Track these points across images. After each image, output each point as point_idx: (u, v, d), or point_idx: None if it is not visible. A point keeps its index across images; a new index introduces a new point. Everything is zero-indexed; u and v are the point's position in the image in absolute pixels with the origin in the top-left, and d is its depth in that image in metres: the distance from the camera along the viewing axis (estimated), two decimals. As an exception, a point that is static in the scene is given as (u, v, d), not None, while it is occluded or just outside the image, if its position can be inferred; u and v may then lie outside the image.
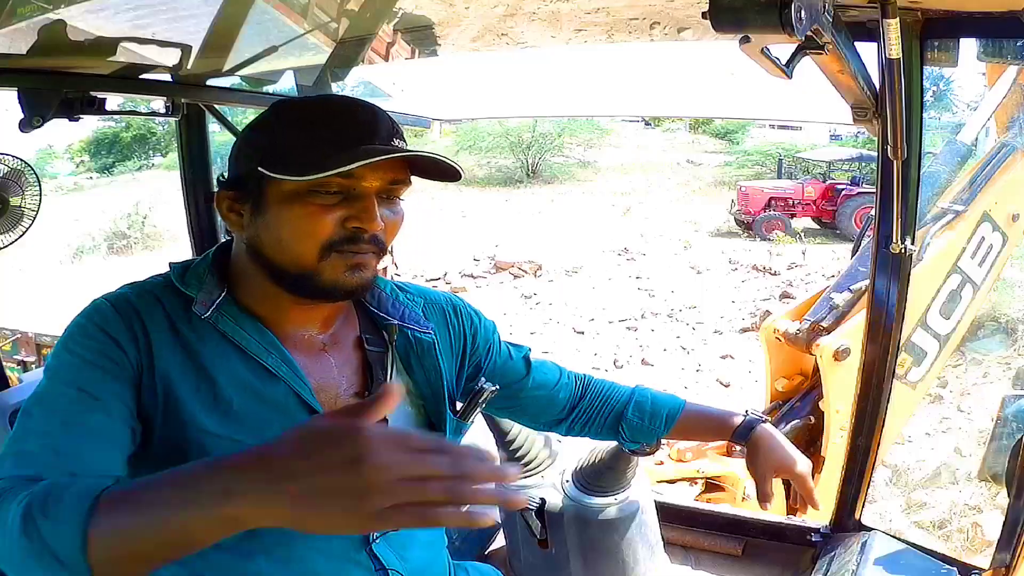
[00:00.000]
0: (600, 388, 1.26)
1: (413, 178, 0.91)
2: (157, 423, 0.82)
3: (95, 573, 0.63)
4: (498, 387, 1.09)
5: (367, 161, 0.80)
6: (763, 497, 1.22)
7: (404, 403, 0.99)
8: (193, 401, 0.83)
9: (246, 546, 0.84)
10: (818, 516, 1.96)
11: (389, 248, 0.93)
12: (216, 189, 0.91)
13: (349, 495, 0.56)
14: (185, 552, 0.64)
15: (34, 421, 0.78)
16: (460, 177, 0.91)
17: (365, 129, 0.85)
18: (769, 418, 1.26)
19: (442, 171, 0.90)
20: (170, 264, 0.91)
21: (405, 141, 0.88)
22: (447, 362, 1.05)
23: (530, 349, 1.23)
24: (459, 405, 1.07)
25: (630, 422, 1.24)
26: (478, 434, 1.64)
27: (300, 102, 0.91)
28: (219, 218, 1.92)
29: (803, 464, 1.21)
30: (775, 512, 2.70)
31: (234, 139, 0.93)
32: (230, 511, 0.59)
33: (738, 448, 3.34)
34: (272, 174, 0.82)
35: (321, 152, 0.81)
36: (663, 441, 1.31)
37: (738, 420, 1.25)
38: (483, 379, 1.09)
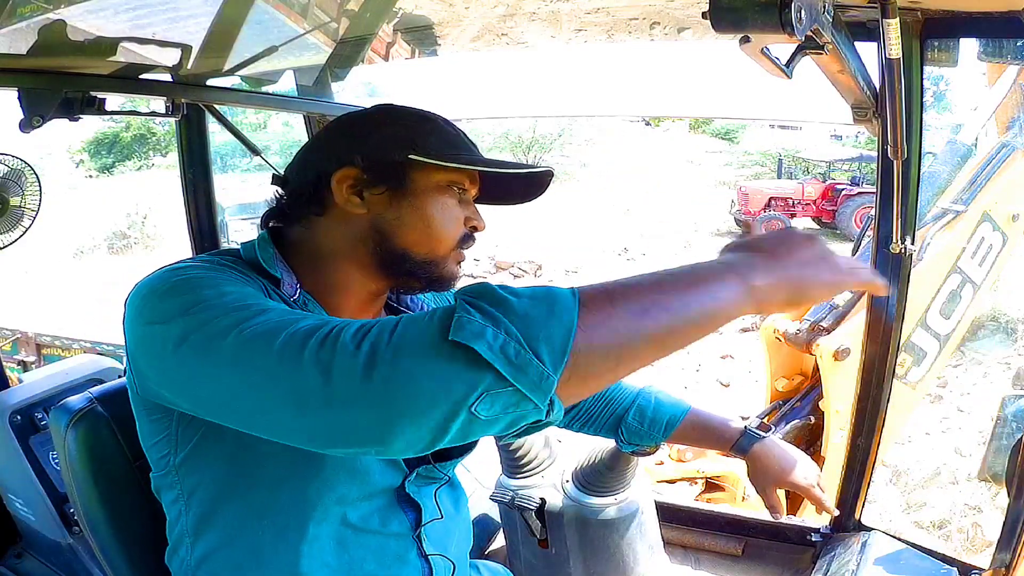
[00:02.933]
0: (606, 389, 1.27)
1: None
2: None
3: (563, 387, 0.57)
4: None
5: (534, 170, 0.93)
6: (770, 509, 1.24)
7: None
8: None
9: (303, 542, 0.86)
10: (818, 516, 1.96)
11: None
12: (319, 172, 0.89)
13: (832, 271, 0.72)
14: (667, 350, 0.62)
15: (245, 311, 0.67)
16: (531, 198, 1.01)
17: (473, 145, 0.96)
18: (770, 432, 1.28)
19: (507, 194, 0.99)
20: (241, 244, 0.91)
21: None
22: None
23: None
24: None
25: (629, 426, 1.25)
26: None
27: (414, 109, 0.96)
28: (220, 218, 1.92)
29: (804, 475, 1.23)
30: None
31: (338, 124, 0.95)
32: (744, 303, 0.65)
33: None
34: (435, 161, 0.87)
35: (464, 152, 0.91)
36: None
37: (738, 433, 1.26)
38: None
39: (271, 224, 0.94)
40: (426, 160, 0.87)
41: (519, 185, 0.98)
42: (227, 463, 0.84)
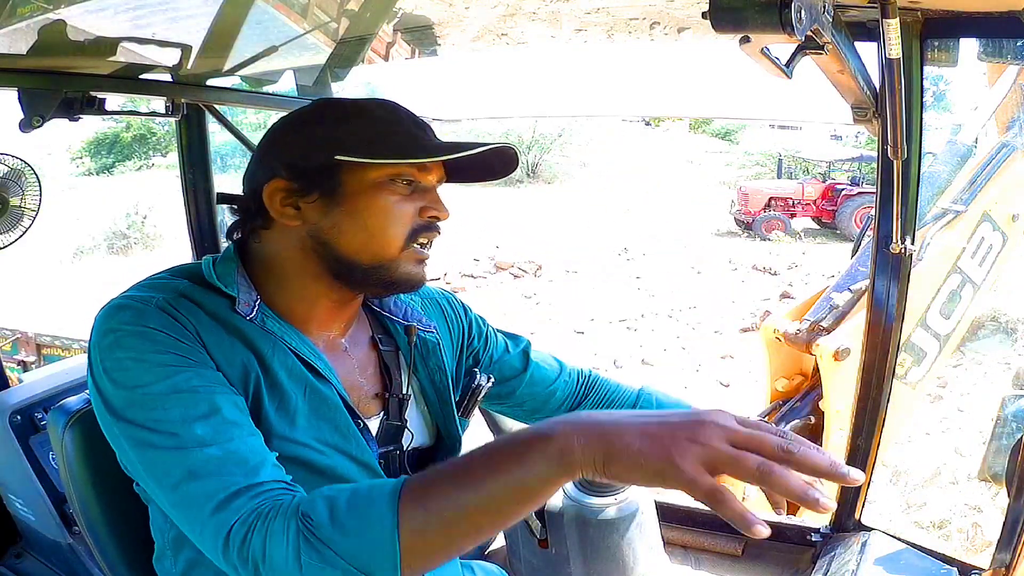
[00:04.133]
0: (604, 389, 1.23)
1: None
2: None
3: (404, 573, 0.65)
4: (494, 378, 1.08)
5: (475, 151, 0.83)
6: (774, 505, 1.21)
7: (414, 403, 0.99)
8: (250, 401, 0.81)
9: None
10: (818, 516, 1.95)
11: None
12: (254, 185, 0.87)
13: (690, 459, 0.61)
14: (494, 528, 0.68)
15: (180, 437, 0.73)
16: (510, 171, 0.93)
17: (426, 128, 0.89)
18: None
19: (490, 169, 0.92)
20: (204, 261, 0.88)
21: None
22: (449, 356, 1.05)
23: (529, 342, 1.20)
24: (459, 401, 1.07)
25: None
26: (477, 433, 1.64)
27: (352, 101, 0.90)
28: (220, 218, 1.92)
29: None
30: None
31: (269, 133, 0.90)
32: (557, 470, 0.63)
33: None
34: (361, 159, 0.82)
35: (402, 143, 0.84)
36: None
37: None
38: (479, 373, 1.08)
39: (236, 236, 0.91)
40: (352, 160, 0.82)
41: (492, 161, 0.90)
42: None
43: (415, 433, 0.98)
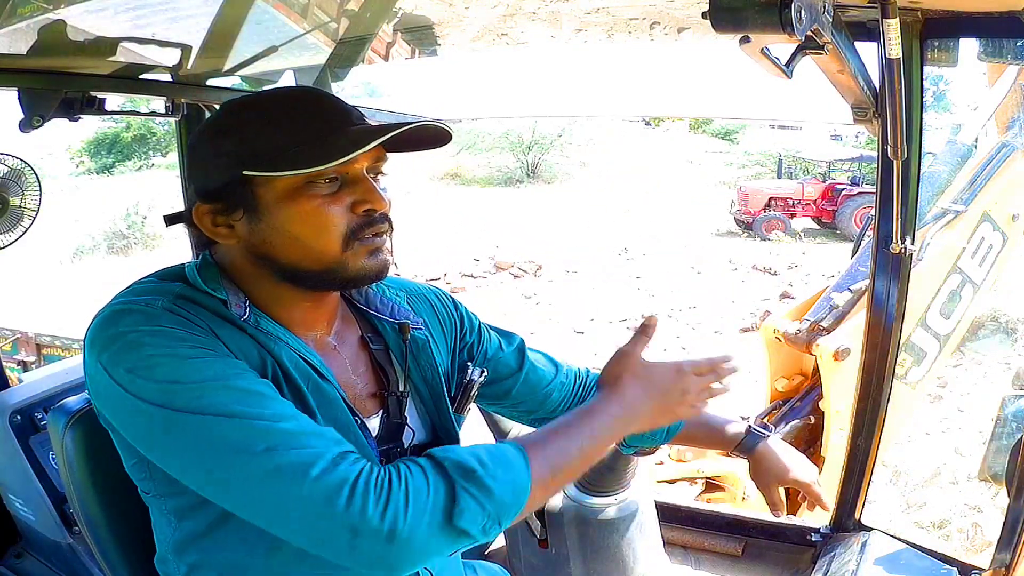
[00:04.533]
0: None
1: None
2: None
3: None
4: (486, 371, 1.06)
5: (379, 141, 0.79)
6: (772, 506, 1.23)
7: (410, 401, 0.98)
8: (289, 396, 0.80)
9: (288, 551, 0.83)
10: (818, 516, 1.95)
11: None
12: (186, 206, 0.85)
13: (686, 406, 0.95)
14: (584, 470, 0.88)
15: (246, 420, 0.72)
16: (448, 140, 0.89)
17: (340, 114, 0.84)
18: (772, 431, 1.28)
19: (425, 140, 0.88)
20: (187, 265, 0.87)
21: (367, 119, 0.87)
22: (443, 352, 1.04)
23: (523, 340, 1.18)
24: (453, 396, 1.05)
25: None
26: (477, 433, 1.64)
27: (254, 100, 0.86)
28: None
29: (805, 472, 1.22)
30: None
31: (186, 152, 0.88)
32: (622, 435, 0.92)
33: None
34: (263, 173, 0.78)
35: (311, 142, 0.79)
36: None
37: (741, 433, 1.24)
38: (471, 367, 1.06)
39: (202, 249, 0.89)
40: (257, 174, 0.79)
41: (426, 132, 0.86)
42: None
43: (415, 430, 0.97)
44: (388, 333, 0.99)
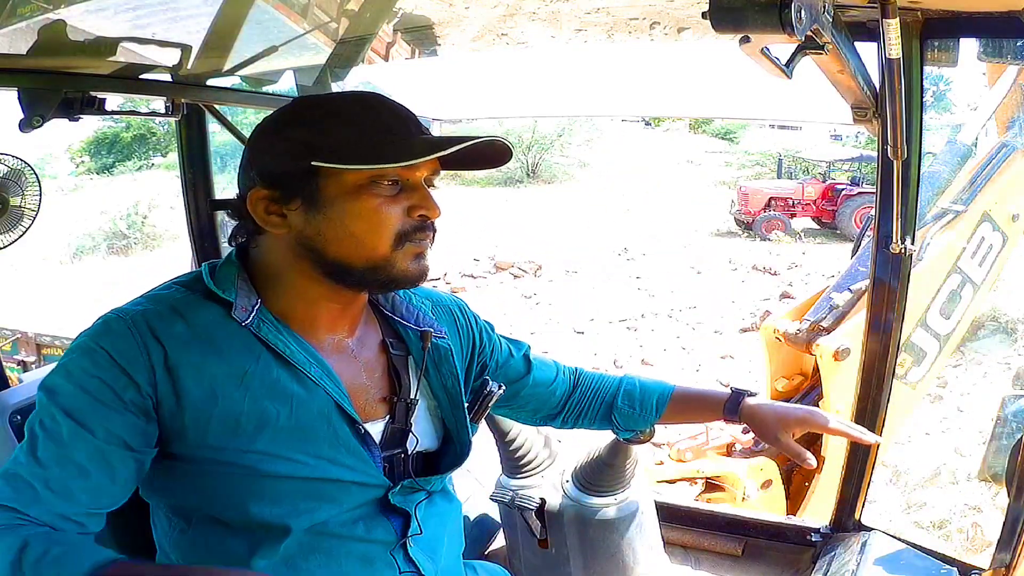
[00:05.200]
0: (590, 380, 1.27)
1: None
2: (191, 440, 0.81)
3: None
4: (504, 387, 1.09)
5: (450, 150, 0.82)
6: (796, 456, 1.14)
7: (425, 409, 0.99)
8: (228, 419, 0.81)
9: (285, 551, 0.85)
10: (818, 516, 1.95)
11: None
12: (241, 192, 0.87)
13: None
14: None
15: (36, 444, 0.78)
16: (507, 160, 0.91)
17: (411, 122, 0.87)
18: (755, 391, 1.24)
19: (481, 159, 0.91)
20: (203, 266, 0.88)
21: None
22: (459, 363, 1.05)
23: (529, 347, 1.22)
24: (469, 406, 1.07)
25: (621, 411, 1.24)
26: (477, 433, 1.64)
27: (331, 98, 0.89)
28: (221, 219, 1.92)
29: (811, 411, 1.17)
30: (775, 512, 2.69)
31: (250, 137, 0.89)
32: None
33: (738, 447, 3.33)
34: (336, 165, 0.81)
35: (382, 143, 0.82)
36: (657, 427, 1.30)
37: (726, 396, 1.22)
38: (489, 380, 1.09)
39: (238, 240, 0.91)
40: (328, 166, 0.81)
41: (484, 150, 0.88)
42: (194, 492, 0.84)
43: (420, 437, 0.97)
44: (411, 340, 1.00)
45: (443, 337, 1.02)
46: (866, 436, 1.17)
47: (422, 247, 0.88)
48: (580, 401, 1.24)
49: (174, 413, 0.80)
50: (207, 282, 0.86)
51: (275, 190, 0.84)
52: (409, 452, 0.96)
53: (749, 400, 1.19)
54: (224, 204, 0.91)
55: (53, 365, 0.83)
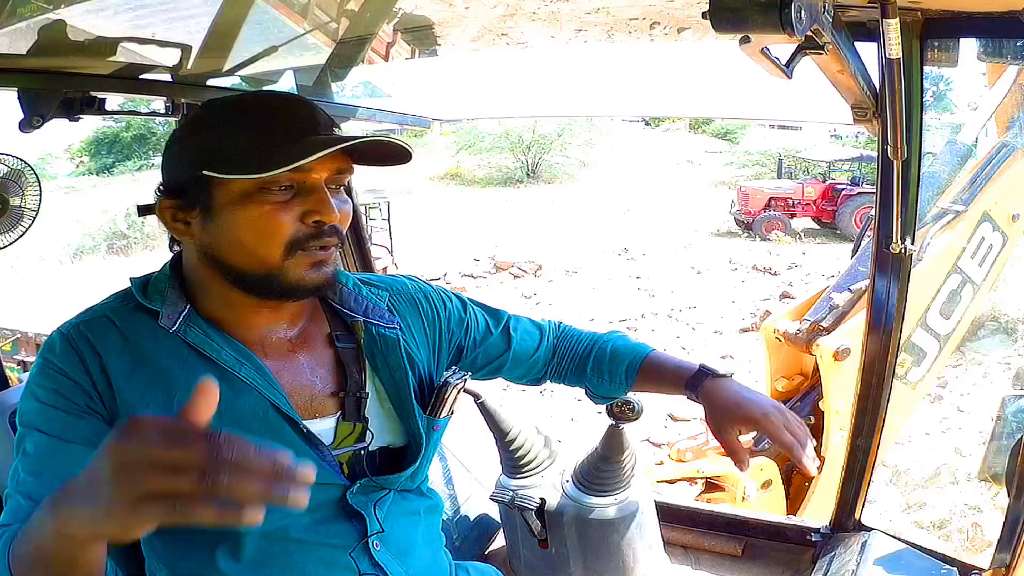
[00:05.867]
0: (570, 342, 1.21)
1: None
2: None
3: None
4: (467, 376, 1.04)
5: (327, 151, 0.79)
6: (732, 454, 1.04)
7: (376, 402, 0.96)
8: None
9: (243, 553, 0.85)
10: (818, 516, 1.95)
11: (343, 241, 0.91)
12: (154, 200, 0.87)
13: (104, 492, 0.54)
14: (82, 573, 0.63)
15: (23, 462, 0.81)
16: (409, 158, 0.88)
17: (307, 122, 0.84)
18: (731, 373, 1.12)
19: (388, 155, 0.87)
20: (131, 279, 0.90)
21: (342, 131, 0.88)
22: (424, 352, 1.02)
23: (510, 316, 1.17)
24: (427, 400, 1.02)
25: (591, 380, 1.19)
26: (477, 433, 1.64)
27: (234, 101, 0.87)
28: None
29: (765, 412, 1.02)
30: (775, 512, 2.69)
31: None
32: (72, 534, 0.60)
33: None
34: (220, 175, 0.80)
35: (268, 148, 0.79)
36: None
37: (691, 372, 1.11)
38: (450, 371, 1.04)
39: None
40: (214, 175, 0.80)
41: (387, 148, 0.86)
42: None
43: (376, 432, 0.94)
44: (360, 331, 0.97)
45: (392, 328, 0.98)
46: (808, 464, 1.00)
47: (320, 256, 0.85)
48: (559, 364, 1.21)
49: (117, 418, 0.82)
50: (136, 294, 0.87)
51: (177, 198, 0.84)
52: (371, 449, 0.94)
53: (711, 381, 1.08)
54: (150, 209, 0.89)
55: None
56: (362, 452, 0.93)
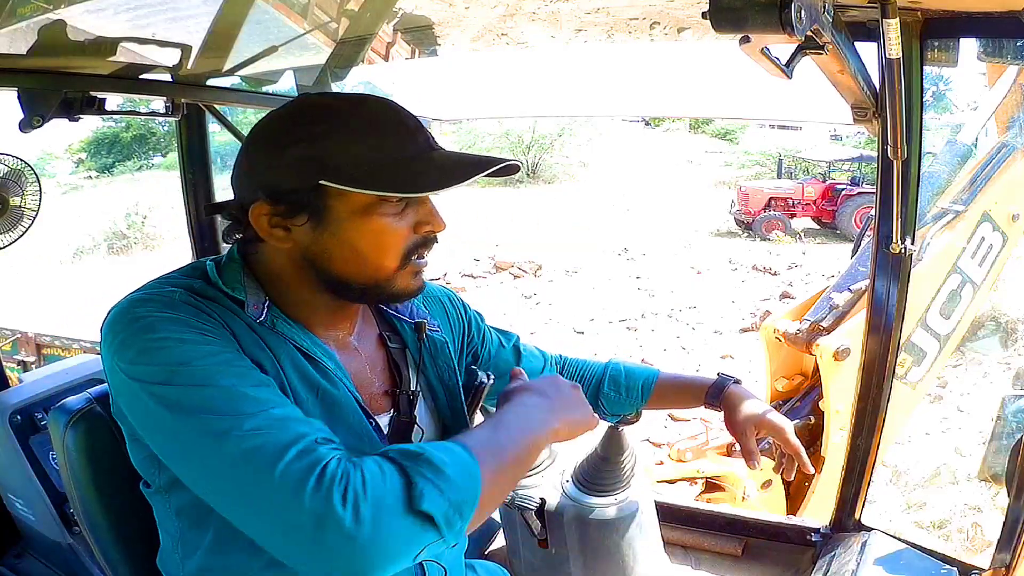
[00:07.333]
0: (575, 367, 1.30)
1: None
2: None
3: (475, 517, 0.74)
4: (494, 377, 1.07)
5: (476, 176, 0.81)
6: (747, 455, 1.20)
7: (423, 400, 1.00)
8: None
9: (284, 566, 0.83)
10: (818, 516, 1.95)
11: None
12: (240, 199, 0.84)
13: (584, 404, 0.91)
14: (525, 469, 0.85)
15: (240, 406, 0.72)
16: (517, 171, 0.90)
17: (419, 136, 0.85)
18: (739, 379, 1.28)
19: (499, 171, 0.88)
20: (207, 262, 0.87)
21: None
22: (454, 355, 1.06)
23: (519, 337, 1.24)
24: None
25: (607, 396, 1.27)
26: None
27: (334, 108, 0.84)
28: (219, 219, 1.92)
29: (781, 420, 1.20)
30: (775, 512, 2.69)
31: (249, 142, 0.86)
32: (550, 426, 0.85)
33: (738, 447, 3.33)
34: (344, 187, 0.79)
35: (393, 166, 0.80)
36: (644, 412, 1.33)
37: (709, 383, 1.25)
38: (480, 371, 1.07)
39: (234, 239, 0.89)
40: (339, 187, 0.79)
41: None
42: None
43: (424, 429, 0.98)
44: (407, 332, 1.01)
45: (437, 330, 1.03)
46: (808, 465, 1.22)
47: (421, 265, 0.88)
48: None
49: None
50: (214, 280, 0.84)
51: (279, 205, 0.81)
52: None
53: (733, 388, 1.22)
54: (221, 208, 0.88)
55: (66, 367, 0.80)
56: None
